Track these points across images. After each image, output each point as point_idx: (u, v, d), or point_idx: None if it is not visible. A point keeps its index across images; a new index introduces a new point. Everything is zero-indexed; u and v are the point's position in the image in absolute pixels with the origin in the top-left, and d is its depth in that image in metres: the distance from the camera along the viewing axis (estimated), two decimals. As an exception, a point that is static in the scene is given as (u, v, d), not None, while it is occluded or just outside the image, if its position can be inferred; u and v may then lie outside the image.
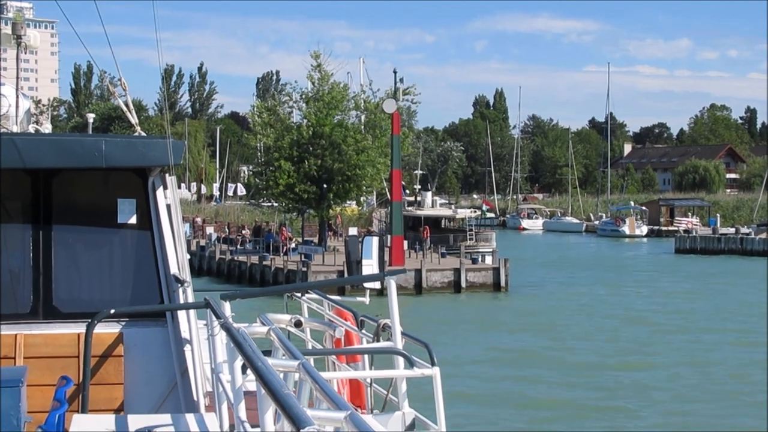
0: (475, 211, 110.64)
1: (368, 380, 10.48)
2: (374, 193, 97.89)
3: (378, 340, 10.42)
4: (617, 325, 50.46)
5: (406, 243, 70.13)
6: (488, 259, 74.13)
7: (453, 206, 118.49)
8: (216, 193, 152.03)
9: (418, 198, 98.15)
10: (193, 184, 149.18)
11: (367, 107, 76.95)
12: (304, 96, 77.21)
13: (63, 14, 11.35)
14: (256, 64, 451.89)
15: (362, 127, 75.84)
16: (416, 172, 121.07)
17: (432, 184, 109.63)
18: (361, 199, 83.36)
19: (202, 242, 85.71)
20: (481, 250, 79.24)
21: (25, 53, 12.37)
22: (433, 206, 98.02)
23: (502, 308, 57.75)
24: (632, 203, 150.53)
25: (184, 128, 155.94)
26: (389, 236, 68.78)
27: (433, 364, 8.94)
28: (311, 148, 74.16)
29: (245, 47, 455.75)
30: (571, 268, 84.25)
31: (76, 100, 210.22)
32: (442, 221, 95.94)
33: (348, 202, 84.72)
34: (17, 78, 11.77)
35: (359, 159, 72.98)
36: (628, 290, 67.56)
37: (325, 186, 73.77)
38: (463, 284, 64.54)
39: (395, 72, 77.40)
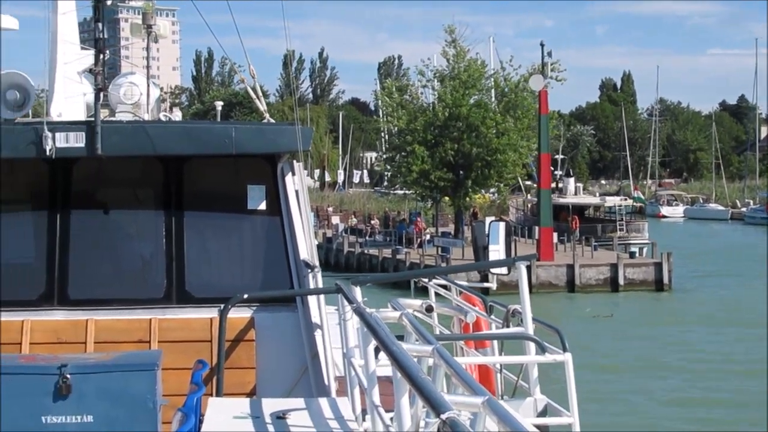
0: (625, 199, 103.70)
1: (498, 366, 10.62)
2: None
3: (508, 326, 10.54)
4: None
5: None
6: (644, 252, 69.45)
7: (597, 193, 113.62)
8: (340, 180, 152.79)
9: (560, 185, 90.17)
10: (316, 171, 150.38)
11: (508, 85, 71.07)
12: (438, 74, 71.94)
13: (194, 5, 11.77)
14: (376, 51, 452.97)
15: (497, 106, 70.59)
16: (557, 156, 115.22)
17: (561, 169, 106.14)
18: (503, 186, 77.10)
19: (329, 233, 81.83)
20: (632, 241, 74.75)
21: (156, 42, 12.81)
22: (576, 193, 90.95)
23: (679, 309, 52.92)
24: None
25: (306, 114, 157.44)
26: (536, 228, 64.27)
27: (564, 350, 9.03)
28: (447, 131, 69.32)
29: (364, 34, 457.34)
30: (734, 261, 75.65)
31: (197, 87, 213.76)
32: (587, 210, 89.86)
33: (491, 190, 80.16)
34: (148, 67, 12.20)
35: (499, 142, 67.82)
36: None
37: (462, 172, 69.63)
38: (621, 281, 59.92)
39: (542, 45, 70.29)
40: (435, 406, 4.36)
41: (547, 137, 65.89)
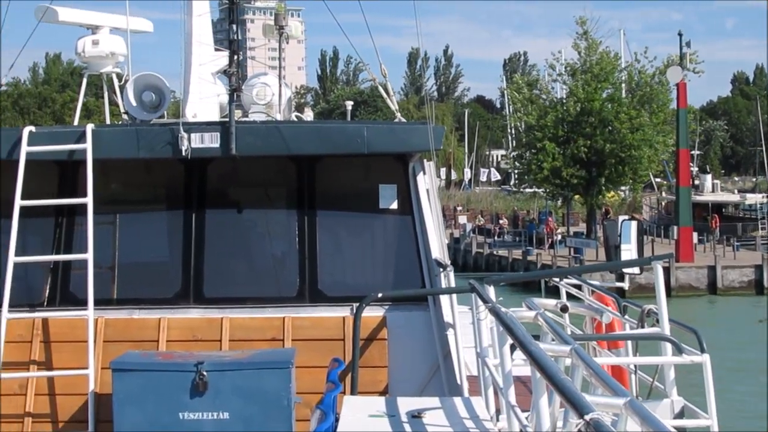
0: (766, 197, 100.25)
1: (632, 367, 10.56)
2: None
3: (642, 326, 10.47)
4: None
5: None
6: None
7: (736, 191, 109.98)
8: (466, 178, 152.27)
9: (696, 182, 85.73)
10: (442, 170, 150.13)
11: (642, 78, 68.51)
12: (569, 68, 69.71)
13: (325, 5, 11.94)
14: (500, 48, 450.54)
15: (631, 101, 67.88)
16: (693, 152, 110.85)
17: (695, 165, 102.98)
18: (637, 184, 73.69)
19: (456, 233, 79.79)
20: None
21: (287, 43, 13.02)
22: (713, 190, 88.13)
23: None
24: None
25: (432, 112, 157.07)
26: (675, 228, 61.83)
27: (702, 351, 8.94)
28: (579, 127, 67.28)
29: (488, 31, 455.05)
30: None
31: (322, 86, 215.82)
32: (725, 208, 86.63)
33: (623, 187, 77.80)
34: (279, 67, 12.39)
35: (634, 138, 65.56)
36: None
37: (594, 169, 67.65)
38: (767, 283, 57.21)
39: (680, 34, 67.04)
40: (577, 407, 4.33)
41: (686, 132, 63.43)
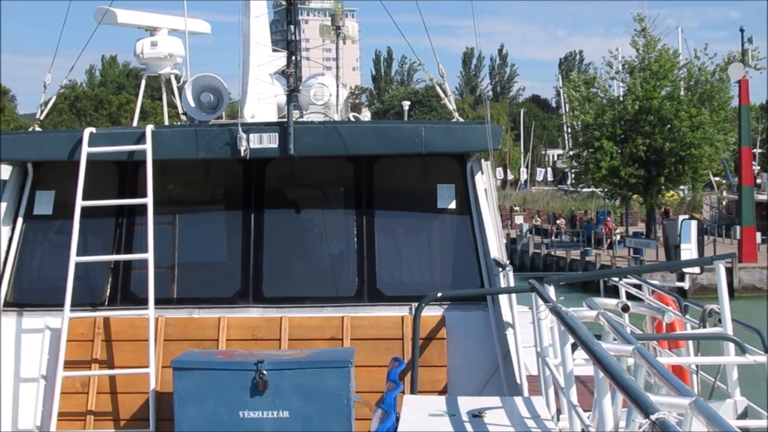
0: None
1: (693, 367, 10.51)
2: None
3: (704, 326, 10.42)
4: None
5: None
6: None
7: None
8: (522, 178, 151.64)
9: (758, 180, 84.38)
10: (498, 170, 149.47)
11: (703, 74, 66.88)
12: (627, 65, 68.29)
13: (383, 5, 11.98)
14: (555, 48, 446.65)
15: (690, 98, 66.34)
16: (755, 150, 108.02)
17: (754, 164, 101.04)
18: (697, 183, 72.43)
19: (512, 233, 79.12)
20: None
21: (344, 43, 13.07)
22: None
23: None
24: None
25: (486, 111, 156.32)
26: (738, 227, 60.87)
27: (766, 351, 8.90)
28: (637, 125, 65.90)
29: (544, 31, 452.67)
30: None
31: (376, 86, 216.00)
32: None
33: (682, 187, 76.50)
34: (337, 68, 12.44)
35: (694, 136, 64.08)
36: None
37: (653, 169, 66.11)
38: None
39: (742, 30, 65.42)
40: (643, 407, 4.31)
41: (749, 130, 62.07)
